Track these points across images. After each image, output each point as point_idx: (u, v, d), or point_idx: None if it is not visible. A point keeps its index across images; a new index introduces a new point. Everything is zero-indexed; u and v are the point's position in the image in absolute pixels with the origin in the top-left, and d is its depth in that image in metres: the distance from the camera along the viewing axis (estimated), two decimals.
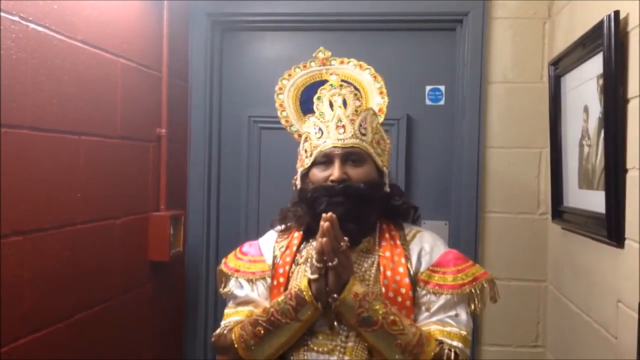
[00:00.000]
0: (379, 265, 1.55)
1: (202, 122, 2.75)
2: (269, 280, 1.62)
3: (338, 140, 1.57)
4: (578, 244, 2.07)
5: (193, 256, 2.74)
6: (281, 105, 1.81)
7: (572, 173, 2.09)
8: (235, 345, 1.54)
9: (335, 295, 1.45)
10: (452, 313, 1.51)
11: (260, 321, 1.51)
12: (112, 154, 2.11)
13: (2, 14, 1.55)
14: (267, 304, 1.57)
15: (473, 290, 1.53)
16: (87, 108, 1.95)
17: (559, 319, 2.32)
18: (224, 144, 2.83)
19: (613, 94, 1.66)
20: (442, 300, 1.52)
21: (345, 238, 1.45)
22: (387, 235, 1.61)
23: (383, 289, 1.52)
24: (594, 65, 1.82)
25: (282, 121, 1.81)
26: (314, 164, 1.60)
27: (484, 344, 2.58)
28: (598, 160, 1.81)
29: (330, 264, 1.43)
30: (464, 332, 1.49)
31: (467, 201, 2.58)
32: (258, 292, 1.62)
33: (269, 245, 1.69)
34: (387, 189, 1.63)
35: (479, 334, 2.57)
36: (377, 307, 1.44)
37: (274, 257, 1.65)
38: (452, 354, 1.45)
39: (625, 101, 1.64)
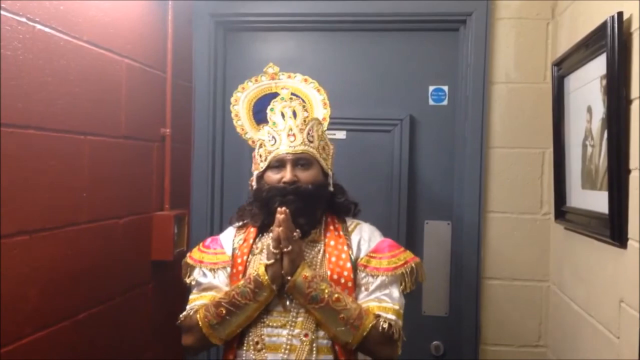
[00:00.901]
0: (324, 252, 1.82)
1: (205, 122, 2.76)
2: (228, 269, 1.86)
3: (289, 147, 1.82)
4: (581, 244, 2.07)
5: None
6: (236, 115, 2.05)
7: (575, 173, 2.09)
8: (200, 324, 1.77)
9: (288, 278, 1.70)
10: (387, 291, 1.77)
11: (222, 303, 1.74)
12: (117, 154, 2.12)
13: (9, 15, 1.56)
14: (227, 290, 1.79)
15: (404, 272, 1.79)
16: (92, 108, 1.96)
17: (562, 319, 2.32)
18: (227, 144, 2.83)
19: (616, 94, 1.66)
20: (378, 281, 1.78)
21: (297, 230, 1.73)
22: (331, 227, 1.88)
23: (329, 272, 1.77)
24: (597, 66, 1.83)
25: (238, 129, 2.05)
26: (268, 167, 1.84)
27: (486, 343, 2.58)
28: (601, 160, 1.82)
29: (285, 249, 1.69)
30: (396, 307, 1.76)
31: (469, 201, 2.59)
32: (219, 280, 1.85)
33: (229, 239, 1.93)
34: (331, 188, 1.89)
35: (481, 334, 2.58)
36: (324, 287, 1.71)
37: (233, 249, 1.89)
38: (387, 325, 1.71)
39: (628, 102, 1.64)
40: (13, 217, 1.59)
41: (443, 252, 2.68)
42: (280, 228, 1.69)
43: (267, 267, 1.72)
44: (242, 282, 1.76)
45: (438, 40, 2.71)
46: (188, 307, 1.85)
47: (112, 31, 2.06)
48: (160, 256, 2.40)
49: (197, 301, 1.85)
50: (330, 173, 1.91)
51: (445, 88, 2.71)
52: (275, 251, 1.71)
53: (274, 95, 1.99)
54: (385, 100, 2.73)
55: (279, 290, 1.74)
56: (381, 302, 1.77)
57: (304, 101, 1.98)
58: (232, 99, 2.06)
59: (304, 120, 1.87)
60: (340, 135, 2.72)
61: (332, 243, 1.83)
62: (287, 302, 1.76)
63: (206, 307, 1.78)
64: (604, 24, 1.71)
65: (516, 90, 2.56)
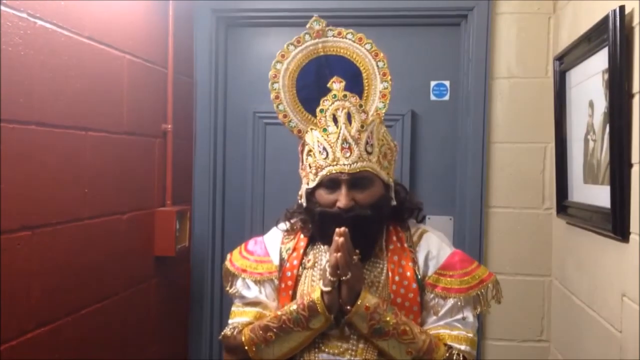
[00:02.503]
0: (387, 271, 1.56)
1: (207, 117, 2.76)
2: (276, 282, 1.62)
3: (344, 165, 1.50)
4: (583, 239, 2.07)
5: (199, 251, 2.76)
6: (277, 96, 1.65)
7: (577, 168, 2.09)
8: (246, 347, 1.56)
9: (348, 307, 1.47)
10: (460, 316, 1.54)
11: (271, 327, 1.52)
12: (118, 150, 2.12)
13: (11, 11, 1.56)
14: (274, 305, 1.61)
15: (479, 293, 1.56)
16: (93, 104, 1.96)
17: (564, 314, 2.32)
18: (229, 140, 2.83)
19: (618, 89, 1.66)
20: (449, 304, 1.54)
21: (357, 251, 1.48)
22: (394, 238, 1.61)
23: (392, 295, 1.54)
24: (599, 60, 1.82)
25: (280, 116, 1.66)
26: (320, 185, 1.55)
27: (489, 338, 2.58)
28: (603, 155, 1.82)
29: (343, 277, 1.45)
30: (470, 335, 1.54)
31: (472, 196, 2.59)
32: (266, 294, 1.63)
33: (275, 245, 1.68)
34: (394, 202, 1.60)
35: (484, 329, 2.58)
36: (388, 318, 1.47)
37: (281, 259, 1.64)
38: (461, 358, 1.50)
39: (630, 96, 1.64)
40: (15, 212, 1.60)
41: None
42: (339, 254, 1.43)
43: (323, 293, 1.48)
44: (294, 305, 1.52)
45: (439, 36, 2.71)
46: (230, 322, 1.64)
47: (113, 27, 2.06)
48: (162, 252, 2.41)
49: (240, 317, 1.63)
50: (391, 184, 1.60)
51: (447, 83, 2.70)
52: (332, 279, 1.46)
53: (320, 64, 1.64)
54: None
55: (337, 318, 1.51)
56: (453, 330, 1.53)
57: (360, 95, 1.61)
58: (271, 74, 1.64)
59: (362, 126, 1.53)
60: None
61: (395, 258, 1.58)
62: (346, 328, 1.53)
63: (252, 328, 1.57)
64: (606, 18, 1.71)
65: (518, 85, 2.55)
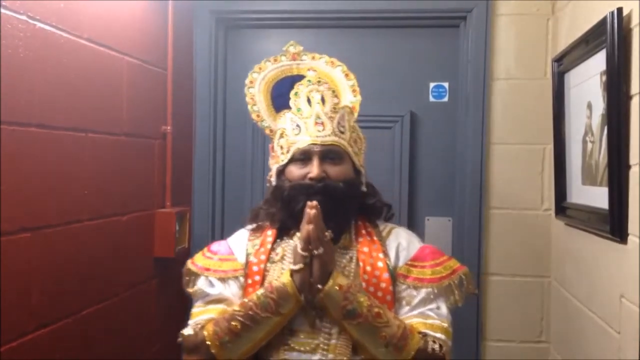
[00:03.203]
0: (358, 260, 1.54)
1: (207, 119, 2.76)
2: (241, 279, 1.57)
3: (317, 137, 1.54)
4: (581, 240, 2.08)
5: None
6: (252, 99, 1.77)
7: (576, 169, 2.10)
8: (208, 343, 1.47)
9: (319, 286, 1.42)
10: (433, 306, 1.53)
11: (237, 316, 1.45)
12: (118, 151, 2.12)
13: (10, 13, 1.57)
14: (242, 301, 1.52)
15: (452, 283, 1.54)
16: (93, 106, 1.96)
17: (563, 315, 2.33)
18: (228, 141, 2.84)
19: (616, 90, 1.66)
20: (422, 293, 1.53)
21: (328, 230, 1.45)
22: (363, 232, 1.61)
23: (363, 284, 1.50)
24: (597, 62, 1.83)
25: (253, 116, 1.77)
26: (291, 160, 1.57)
27: (488, 339, 2.59)
28: (601, 156, 1.82)
29: (315, 251, 1.41)
30: (445, 324, 1.51)
31: (470, 197, 2.59)
32: (231, 291, 1.57)
33: (241, 243, 1.65)
34: (364, 188, 1.63)
35: (483, 330, 2.58)
36: (362, 299, 1.43)
37: (247, 255, 1.60)
38: (437, 346, 1.47)
39: (628, 97, 1.64)
40: (15, 214, 1.60)
41: (444, 249, 2.63)
42: (311, 226, 1.40)
43: (293, 272, 1.44)
44: (261, 291, 1.47)
45: (438, 37, 2.71)
46: (191, 321, 1.55)
47: (112, 29, 2.07)
48: (162, 253, 2.41)
49: (202, 315, 1.54)
50: (362, 170, 1.64)
51: (446, 84, 2.71)
52: (304, 253, 1.41)
53: (295, 78, 1.72)
54: (386, 97, 2.73)
55: (306, 305, 1.46)
56: (427, 319, 1.50)
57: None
58: (247, 81, 1.78)
59: (334, 107, 1.59)
60: None
61: (365, 250, 1.56)
62: (317, 321, 1.48)
63: (216, 321, 1.49)
64: (604, 20, 1.71)
65: (516, 86, 2.56)
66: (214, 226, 2.79)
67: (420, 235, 2.67)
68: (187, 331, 1.53)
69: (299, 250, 1.43)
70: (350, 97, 1.73)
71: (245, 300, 1.48)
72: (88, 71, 1.92)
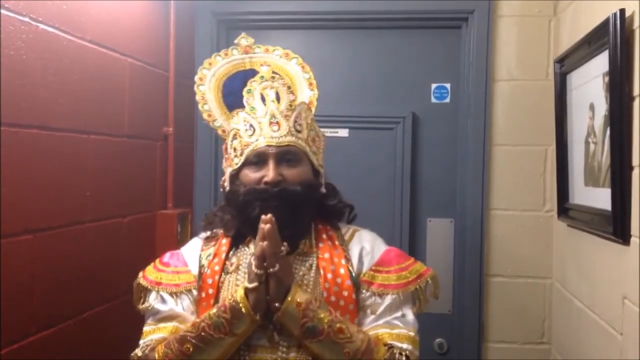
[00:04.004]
0: (318, 267, 1.46)
1: None
2: (195, 292, 1.48)
3: (272, 138, 1.45)
4: (584, 241, 2.07)
5: None
6: (202, 97, 1.65)
7: (578, 170, 2.09)
8: None
9: (277, 305, 1.33)
10: (399, 314, 1.45)
11: (188, 337, 1.36)
12: (120, 153, 2.12)
13: (12, 15, 1.57)
14: (193, 319, 1.44)
15: (418, 288, 1.47)
16: (95, 107, 1.96)
17: (565, 316, 2.32)
18: None
19: (619, 91, 1.66)
20: (387, 300, 1.45)
21: (285, 243, 1.35)
22: (324, 236, 1.52)
23: (324, 293, 1.42)
24: (600, 63, 1.83)
25: (204, 115, 1.66)
26: (245, 164, 1.47)
27: (490, 341, 2.58)
28: (604, 157, 1.82)
29: (271, 269, 1.32)
30: (412, 333, 1.44)
31: (472, 199, 2.59)
32: (183, 306, 1.48)
33: (194, 254, 1.55)
34: (323, 189, 1.53)
35: (485, 331, 2.58)
36: (322, 315, 1.35)
37: (201, 266, 1.50)
38: (404, 358, 1.40)
39: (631, 99, 1.64)
40: (17, 216, 1.60)
41: (446, 250, 2.68)
42: (265, 242, 1.31)
43: (247, 291, 1.34)
44: (214, 310, 1.37)
45: (440, 38, 2.71)
46: (142, 342, 1.48)
47: (114, 30, 2.07)
48: None
49: (153, 335, 1.47)
50: (321, 171, 1.55)
51: (448, 86, 2.71)
52: (258, 272, 1.32)
53: (247, 74, 1.62)
54: (388, 98, 2.73)
55: (264, 321, 1.37)
56: (393, 329, 1.44)
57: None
58: (197, 78, 1.65)
59: (290, 105, 1.51)
60: (343, 133, 2.72)
61: (326, 255, 1.47)
62: (275, 335, 1.40)
63: (167, 342, 1.40)
64: (606, 21, 1.71)
65: (518, 87, 2.56)
66: None
67: (422, 236, 2.72)
68: (136, 353, 1.46)
69: (254, 269, 1.33)
70: (307, 91, 1.63)
71: (197, 320, 1.39)
72: (90, 73, 1.93)
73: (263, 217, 1.33)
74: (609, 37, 1.69)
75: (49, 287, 1.74)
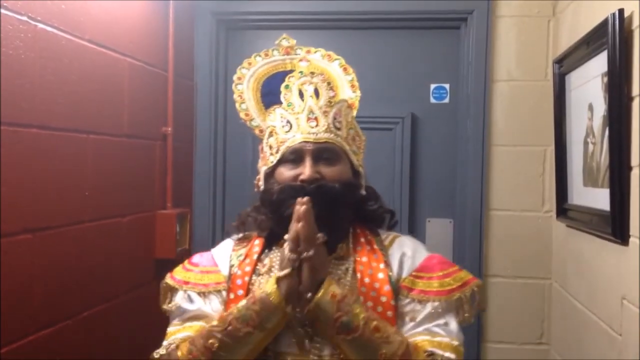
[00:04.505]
0: (355, 271, 1.36)
1: (207, 120, 2.76)
2: (224, 293, 1.39)
3: (310, 134, 1.37)
4: (583, 242, 2.07)
5: None
6: (240, 96, 1.59)
7: (577, 171, 2.10)
8: None
9: (309, 295, 1.23)
10: (441, 321, 1.33)
11: (214, 332, 1.27)
12: (119, 153, 2.12)
13: (11, 14, 1.57)
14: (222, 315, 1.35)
15: (462, 296, 1.35)
16: (94, 107, 1.96)
17: (564, 317, 2.32)
18: (229, 143, 2.84)
19: (618, 92, 1.66)
20: (428, 308, 1.33)
21: (321, 233, 1.26)
22: (362, 240, 1.42)
23: (361, 298, 1.31)
24: (599, 63, 1.83)
25: (242, 115, 1.60)
26: (281, 161, 1.39)
27: (488, 341, 2.58)
28: (603, 158, 1.82)
29: (305, 253, 1.23)
30: (455, 343, 1.32)
31: (472, 199, 2.59)
32: (212, 307, 1.39)
33: (225, 254, 1.47)
34: (363, 191, 1.45)
35: (484, 331, 2.58)
36: (358, 310, 1.24)
37: (231, 266, 1.42)
38: None
39: (629, 99, 1.64)
40: (16, 215, 1.60)
41: (445, 250, 2.68)
42: (301, 224, 1.22)
43: (279, 280, 1.25)
44: (243, 302, 1.29)
45: (439, 39, 2.71)
46: (165, 342, 1.38)
47: (114, 30, 2.07)
48: (163, 254, 2.41)
49: (178, 334, 1.37)
50: (362, 171, 1.46)
51: (447, 86, 2.71)
52: (292, 256, 1.23)
53: (287, 74, 1.55)
54: (387, 98, 2.73)
55: (294, 320, 1.28)
56: (434, 336, 1.31)
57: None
58: (235, 77, 1.60)
59: (329, 101, 1.43)
60: None
61: (364, 259, 1.38)
62: (306, 341, 1.30)
63: (192, 339, 1.31)
64: (605, 22, 1.71)
65: (518, 88, 2.56)
66: (215, 227, 2.79)
67: (421, 237, 2.71)
68: (159, 351, 1.37)
69: (286, 253, 1.25)
70: (349, 93, 1.55)
71: (224, 313, 1.31)
72: (89, 72, 1.92)
73: (299, 199, 1.24)
74: (607, 37, 1.69)
75: (48, 287, 1.74)
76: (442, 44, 2.71)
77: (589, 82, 1.94)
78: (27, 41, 1.63)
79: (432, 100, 2.72)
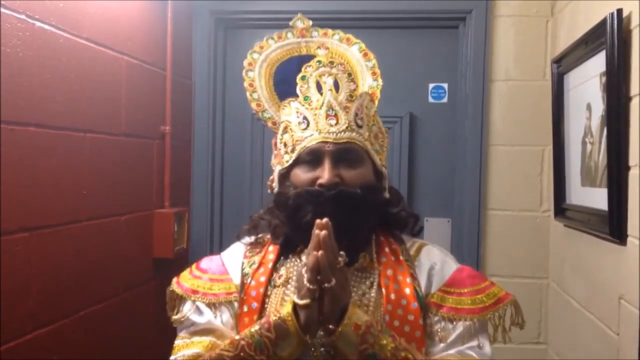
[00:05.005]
0: (380, 286, 1.25)
1: (205, 119, 2.76)
2: (236, 305, 1.28)
3: (329, 133, 1.25)
4: (580, 241, 2.07)
5: (197, 253, 2.74)
6: (251, 84, 1.45)
7: (575, 170, 2.10)
8: None
9: (331, 327, 1.12)
10: (474, 343, 1.24)
11: (225, 357, 1.16)
12: (117, 152, 2.12)
13: (9, 12, 1.56)
14: (232, 335, 1.23)
15: (497, 315, 1.27)
16: (92, 105, 1.96)
17: (561, 316, 2.32)
18: (227, 141, 2.83)
19: (616, 91, 1.66)
20: (459, 327, 1.23)
21: (342, 252, 1.14)
22: (386, 250, 1.31)
23: (387, 317, 1.21)
24: (597, 63, 1.83)
25: (253, 105, 1.46)
26: (297, 162, 1.28)
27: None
28: (601, 157, 1.82)
29: (326, 284, 1.10)
30: None
31: (469, 199, 2.59)
32: (222, 320, 1.28)
33: (236, 260, 1.35)
34: (387, 194, 1.33)
35: None
36: (385, 341, 1.13)
37: (244, 275, 1.31)
38: None
39: (628, 99, 1.64)
40: (14, 214, 1.60)
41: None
42: (320, 252, 1.09)
43: (297, 307, 1.13)
44: (256, 326, 1.16)
45: (438, 38, 2.71)
46: (172, 357, 1.30)
47: (112, 28, 2.06)
48: (161, 254, 2.41)
49: (186, 350, 1.27)
50: (385, 172, 1.34)
51: (445, 85, 2.71)
52: (311, 287, 1.10)
53: (303, 60, 1.41)
54: (385, 97, 2.66)
55: (314, 346, 1.17)
56: None
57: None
58: (246, 63, 1.46)
59: (350, 95, 1.30)
60: None
61: (389, 272, 1.26)
62: None
63: (201, 359, 1.22)
64: (604, 21, 1.71)
65: (516, 87, 2.56)
66: (213, 226, 2.79)
67: (419, 236, 2.70)
68: None
69: (306, 282, 1.11)
70: (369, 81, 1.44)
71: (237, 337, 1.19)
72: (87, 71, 1.92)
73: (318, 221, 1.12)
74: (606, 37, 1.69)
75: (46, 286, 1.73)
76: (440, 44, 2.71)
77: (588, 82, 1.94)
78: (25, 39, 1.63)
79: (431, 100, 2.72)
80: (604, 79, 1.75)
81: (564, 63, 2.19)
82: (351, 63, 1.44)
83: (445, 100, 2.71)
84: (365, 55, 1.45)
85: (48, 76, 1.73)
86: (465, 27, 2.62)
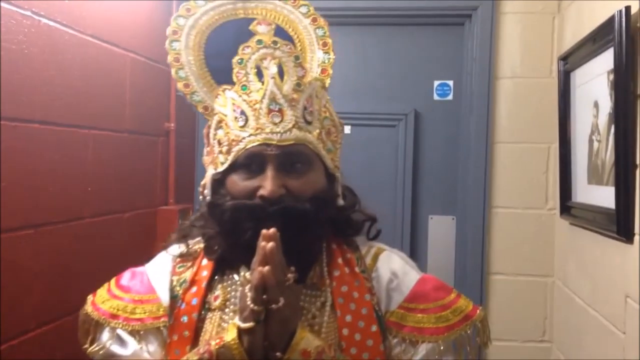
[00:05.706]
0: (333, 307, 1.07)
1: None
2: (165, 332, 1.08)
3: (273, 133, 1.03)
4: (586, 239, 2.07)
5: None
6: (177, 59, 1.20)
7: (581, 168, 2.09)
8: None
9: (278, 354, 0.95)
10: None
11: None
12: (121, 148, 2.12)
13: (15, 9, 1.56)
14: None
15: (464, 334, 1.11)
16: (96, 102, 1.95)
17: (566, 314, 2.32)
18: None
19: (623, 89, 1.65)
20: (423, 350, 1.08)
21: (292, 268, 0.97)
22: (339, 261, 1.12)
23: (343, 344, 1.04)
24: (604, 61, 1.82)
25: (179, 85, 1.20)
26: (234, 166, 1.07)
27: (490, 339, 2.57)
28: (608, 155, 1.81)
29: (274, 305, 0.93)
30: None
31: (474, 196, 2.58)
32: (150, 350, 1.07)
33: (163, 276, 1.14)
34: (341, 200, 1.13)
35: None
36: None
37: (173, 296, 1.10)
38: None
39: (635, 97, 1.63)
40: (18, 211, 1.60)
41: (447, 248, 2.68)
42: (267, 267, 0.92)
43: (241, 332, 0.95)
44: (191, 355, 0.99)
45: (443, 35, 2.70)
46: None
47: (116, 25, 2.06)
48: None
49: None
50: (337, 175, 1.14)
51: (451, 83, 2.70)
52: (256, 308, 0.93)
53: (241, 25, 1.16)
54: (390, 95, 2.72)
55: None
56: None
57: (294, 44, 1.16)
58: (169, 30, 1.18)
59: (298, 84, 1.08)
60: (345, 130, 2.71)
61: (344, 289, 1.08)
62: None
63: None
64: (611, 19, 1.70)
65: (522, 85, 2.55)
66: None
67: (423, 234, 2.71)
68: None
69: (249, 303, 0.94)
70: (320, 54, 1.20)
71: None
72: (92, 68, 1.92)
73: (264, 232, 0.95)
74: (614, 34, 1.68)
75: (49, 283, 1.73)
76: (446, 41, 2.70)
77: (595, 80, 1.93)
78: (30, 36, 1.62)
79: (436, 97, 2.71)
80: (611, 76, 1.74)
81: (571, 60, 2.18)
82: (298, 31, 1.21)
83: (450, 97, 2.70)
84: (314, 20, 1.22)
85: (52, 73, 1.73)
86: (471, 24, 2.61)
